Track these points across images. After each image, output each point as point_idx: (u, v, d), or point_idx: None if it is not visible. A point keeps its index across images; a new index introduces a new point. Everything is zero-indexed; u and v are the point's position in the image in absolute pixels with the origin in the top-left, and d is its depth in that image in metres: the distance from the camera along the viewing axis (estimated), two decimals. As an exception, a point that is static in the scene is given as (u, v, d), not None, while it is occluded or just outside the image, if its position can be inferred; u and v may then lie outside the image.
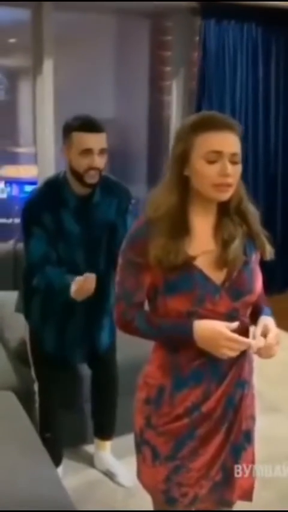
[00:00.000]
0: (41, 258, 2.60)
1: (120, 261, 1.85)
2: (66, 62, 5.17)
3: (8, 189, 5.67)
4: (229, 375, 1.84)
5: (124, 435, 3.26)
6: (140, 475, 1.99)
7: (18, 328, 3.13)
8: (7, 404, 2.74)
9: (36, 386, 2.89)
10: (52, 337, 2.79)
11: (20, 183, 5.65)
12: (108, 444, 3.11)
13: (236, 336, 1.70)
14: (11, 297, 3.25)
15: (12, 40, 6.66)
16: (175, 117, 4.89)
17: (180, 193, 1.75)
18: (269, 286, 4.88)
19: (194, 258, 1.74)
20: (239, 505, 2.14)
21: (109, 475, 3.06)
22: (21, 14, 4.75)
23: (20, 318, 3.02)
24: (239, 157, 1.73)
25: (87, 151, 2.50)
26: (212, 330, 1.70)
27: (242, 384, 1.88)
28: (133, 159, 6.13)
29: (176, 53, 4.82)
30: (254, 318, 1.89)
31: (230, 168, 1.69)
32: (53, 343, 2.79)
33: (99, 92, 5.93)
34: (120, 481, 3.01)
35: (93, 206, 2.66)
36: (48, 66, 4.25)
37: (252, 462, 1.99)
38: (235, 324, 1.72)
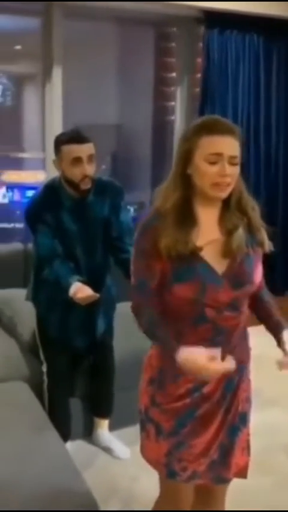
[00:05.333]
0: (49, 251, 2.88)
1: (133, 252, 1.97)
2: (73, 68, 5.29)
3: (10, 194, 5.77)
4: None
5: (132, 425, 3.43)
6: (143, 450, 2.10)
7: (30, 323, 3.27)
8: (21, 394, 2.89)
9: (44, 367, 3.11)
10: (56, 323, 3.05)
11: (22, 188, 5.76)
12: (106, 422, 3.34)
13: (216, 368, 1.77)
14: (22, 293, 3.38)
15: (18, 47, 6.76)
16: (179, 122, 4.99)
17: (184, 189, 1.89)
18: (270, 289, 4.99)
19: (201, 248, 1.87)
20: (239, 493, 2.27)
21: (107, 450, 3.29)
22: (27, 21, 4.87)
23: (32, 313, 3.17)
24: (237, 160, 1.87)
25: (77, 160, 2.78)
26: (193, 363, 1.76)
27: (241, 368, 2.00)
28: (138, 164, 6.21)
29: (180, 59, 4.94)
30: (254, 306, 2.07)
31: (228, 169, 1.83)
32: (56, 328, 3.05)
33: (105, 98, 6.02)
34: (118, 455, 3.25)
35: (87, 206, 2.93)
36: (57, 73, 4.36)
37: (247, 442, 2.12)
38: (217, 352, 1.78)
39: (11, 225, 5.75)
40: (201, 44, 4.61)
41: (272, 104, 4.88)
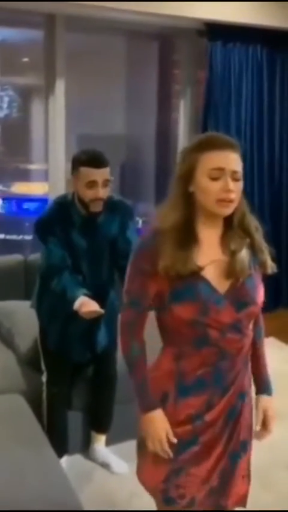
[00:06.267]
0: (60, 260, 2.90)
1: (128, 271, 1.96)
2: (78, 80, 5.30)
3: (6, 205, 5.81)
4: (232, 386, 1.92)
5: (130, 440, 3.40)
6: (140, 473, 2.05)
7: (28, 335, 3.26)
8: (16, 407, 2.87)
9: (44, 377, 3.11)
10: (56, 335, 3.06)
11: (18, 200, 5.80)
12: (103, 437, 3.32)
13: (167, 450, 1.90)
14: (22, 305, 3.39)
15: (25, 59, 6.80)
16: (182, 134, 4.98)
17: (185, 208, 1.85)
18: (275, 302, 4.95)
19: (202, 268, 1.83)
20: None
21: (104, 466, 3.26)
22: (34, 34, 4.89)
23: (30, 325, 3.15)
24: (240, 175, 1.84)
25: (93, 183, 2.80)
26: (154, 431, 1.90)
27: (243, 395, 1.97)
28: (143, 175, 6.22)
29: (183, 72, 4.93)
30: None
31: (231, 184, 1.80)
32: (56, 339, 3.06)
33: (110, 109, 6.04)
34: (115, 470, 3.22)
35: (97, 225, 2.96)
36: (60, 85, 4.36)
37: (248, 470, 2.06)
38: (174, 440, 1.90)
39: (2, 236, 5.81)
40: (204, 57, 4.59)
41: (275, 115, 4.85)
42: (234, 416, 1.95)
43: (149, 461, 1.99)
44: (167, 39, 5.37)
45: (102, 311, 2.78)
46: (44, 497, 2.20)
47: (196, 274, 1.82)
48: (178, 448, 1.92)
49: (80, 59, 5.46)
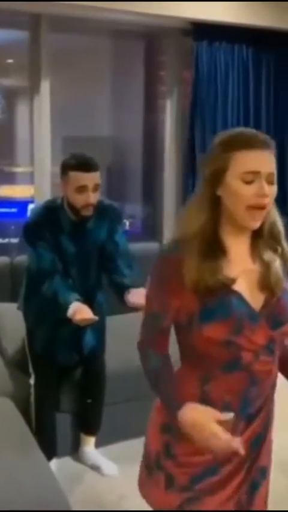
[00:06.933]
0: (50, 264, 2.87)
1: (148, 284, 1.74)
2: (64, 82, 5.28)
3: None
4: (259, 414, 1.74)
5: (119, 442, 3.38)
6: (146, 491, 1.87)
7: (15, 338, 3.23)
8: (4, 409, 2.83)
9: (32, 380, 3.08)
10: (42, 339, 3.04)
11: (2, 203, 5.79)
12: (92, 439, 3.29)
13: (228, 439, 1.53)
14: (9, 307, 3.35)
15: (9, 60, 6.76)
16: (168, 135, 4.96)
17: (212, 212, 1.64)
18: None
19: (234, 280, 1.63)
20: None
21: (94, 468, 3.23)
22: (18, 34, 4.86)
23: (17, 327, 3.12)
24: (275, 177, 1.62)
25: (82, 188, 2.76)
26: (201, 427, 1.54)
27: (268, 421, 1.80)
28: (129, 177, 6.21)
29: (170, 72, 4.92)
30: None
31: (267, 189, 1.58)
32: (43, 343, 3.03)
33: (96, 110, 6.02)
34: (105, 472, 3.18)
35: (87, 230, 2.94)
36: (45, 86, 4.34)
37: (266, 497, 1.88)
38: (230, 415, 1.56)
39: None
40: (190, 57, 4.59)
41: (261, 114, 4.86)
42: (258, 444, 1.77)
43: (161, 488, 1.78)
44: (152, 39, 5.36)
45: (96, 318, 2.75)
46: (33, 499, 2.16)
47: (227, 287, 1.61)
48: (195, 477, 1.73)
49: (66, 60, 5.43)
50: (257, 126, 4.84)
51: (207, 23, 4.39)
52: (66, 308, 2.75)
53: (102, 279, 3.08)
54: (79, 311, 2.73)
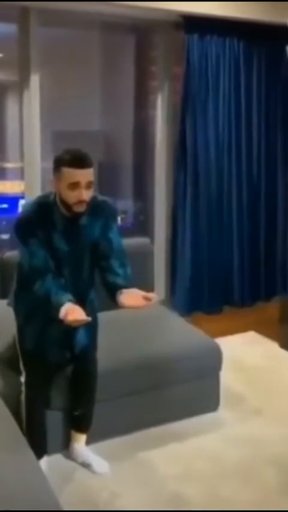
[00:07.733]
0: (42, 262, 2.83)
1: None
2: (53, 76, 5.24)
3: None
4: None
5: (110, 439, 3.37)
6: None
7: (5, 335, 3.19)
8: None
9: (23, 377, 3.06)
10: (33, 336, 3.00)
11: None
12: (83, 437, 3.27)
13: None
14: (-2, 304, 3.31)
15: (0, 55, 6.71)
16: (160, 130, 4.93)
17: None
18: (254, 296, 4.94)
19: None
20: (224, 506, 2.18)
21: (85, 465, 3.21)
22: (7, 28, 4.81)
23: (7, 324, 3.09)
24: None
25: (75, 184, 2.71)
26: None
27: None
28: (121, 172, 6.19)
29: (160, 67, 4.88)
30: None
31: None
32: (33, 341, 3.00)
33: (87, 105, 5.99)
34: (96, 470, 3.17)
35: (80, 228, 2.89)
36: (35, 81, 4.29)
37: None
38: None
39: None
40: (181, 51, 4.55)
41: (252, 109, 4.84)
42: None
43: None
44: (143, 34, 5.33)
45: (89, 319, 2.72)
46: (22, 498, 2.13)
47: None
48: None
49: (56, 54, 5.40)
50: (248, 120, 4.83)
51: (198, 16, 4.35)
52: (58, 308, 2.71)
53: (95, 277, 3.04)
54: (71, 312, 2.69)
